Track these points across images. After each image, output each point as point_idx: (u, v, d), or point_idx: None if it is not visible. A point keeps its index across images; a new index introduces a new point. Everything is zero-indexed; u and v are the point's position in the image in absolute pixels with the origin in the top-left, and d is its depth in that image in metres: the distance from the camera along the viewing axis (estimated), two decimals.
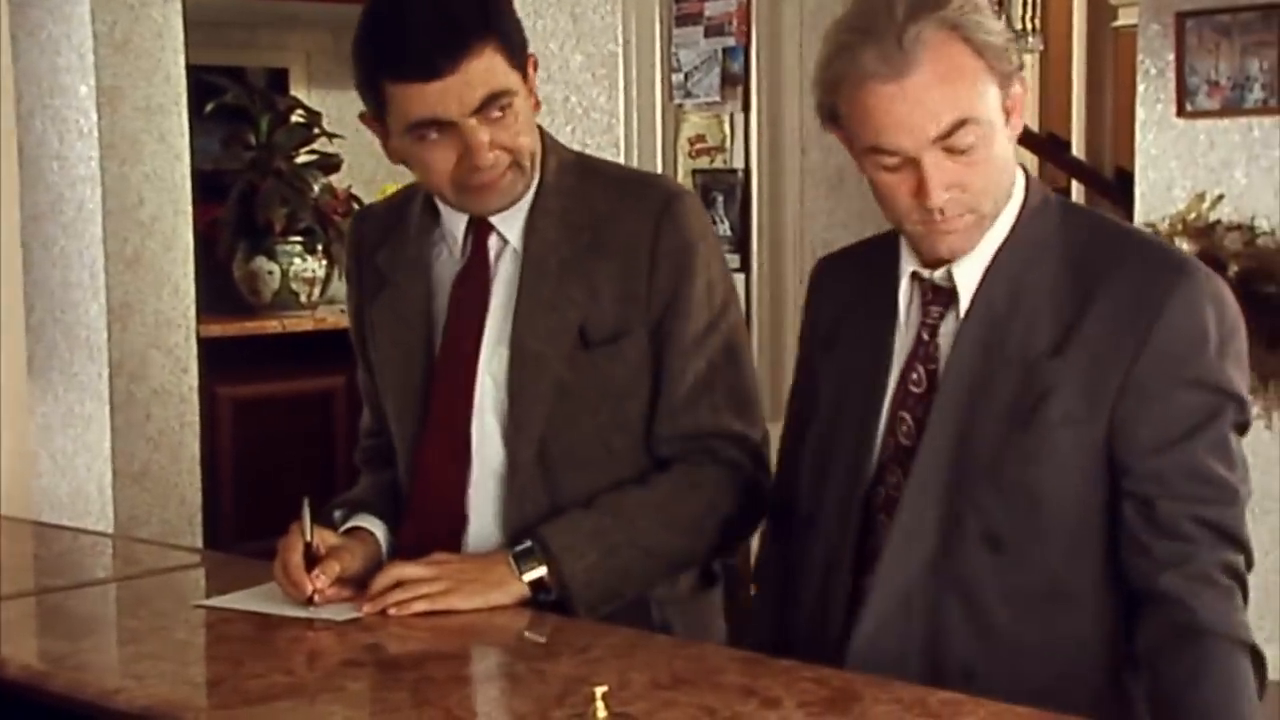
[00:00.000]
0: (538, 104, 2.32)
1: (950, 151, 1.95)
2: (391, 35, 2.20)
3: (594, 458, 2.33)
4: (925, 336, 2.07)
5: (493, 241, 2.37)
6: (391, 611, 2.18)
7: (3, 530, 3.08)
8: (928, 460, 2.03)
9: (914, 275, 2.09)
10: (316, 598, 2.22)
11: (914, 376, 2.07)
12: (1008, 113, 2.01)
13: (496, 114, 2.22)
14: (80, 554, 2.94)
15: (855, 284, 2.19)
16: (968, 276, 2.04)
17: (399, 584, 2.22)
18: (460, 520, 2.35)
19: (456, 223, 2.38)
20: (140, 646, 2.22)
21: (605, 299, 2.31)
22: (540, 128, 2.37)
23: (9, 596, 2.39)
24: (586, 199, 2.35)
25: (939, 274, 2.06)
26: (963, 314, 2.04)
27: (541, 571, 2.24)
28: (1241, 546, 1.98)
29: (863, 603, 2.06)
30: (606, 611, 2.27)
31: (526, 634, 2.20)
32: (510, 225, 2.34)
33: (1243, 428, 2.02)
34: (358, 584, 2.27)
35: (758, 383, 2.43)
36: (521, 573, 2.24)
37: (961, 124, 1.94)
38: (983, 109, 1.96)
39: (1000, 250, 2.04)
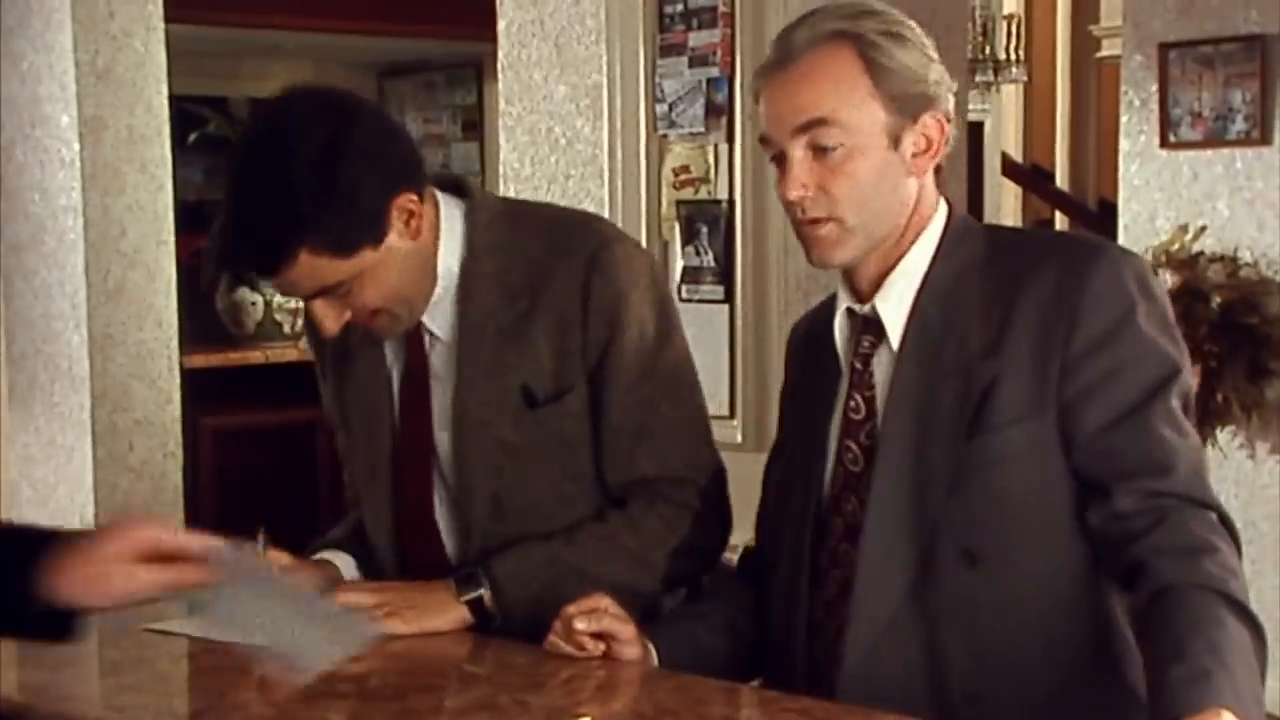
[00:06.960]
0: (419, 232, 2.25)
1: (815, 150, 2.01)
2: (219, 236, 2.20)
3: (549, 508, 2.36)
4: (859, 366, 2.10)
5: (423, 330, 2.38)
6: None
7: None
8: (884, 487, 2.02)
9: (847, 310, 2.13)
10: None
11: (853, 404, 2.10)
12: (895, 140, 2.02)
13: (336, 294, 2.22)
14: None
15: (812, 337, 2.24)
16: (891, 309, 2.07)
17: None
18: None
19: None
20: (122, 678, 2.21)
21: (544, 356, 2.32)
22: (466, 182, 2.41)
23: None
24: (521, 251, 2.34)
25: (866, 308, 2.10)
26: (894, 344, 2.07)
27: (480, 593, 2.28)
28: (1210, 507, 1.95)
29: (836, 636, 2.05)
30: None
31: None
32: (435, 317, 2.35)
33: (1186, 397, 2.00)
34: None
35: (705, 413, 2.43)
36: (461, 595, 2.28)
37: (821, 122, 2.00)
38: (852, 120, 2.00)
39: (925, 280, 2.07)
